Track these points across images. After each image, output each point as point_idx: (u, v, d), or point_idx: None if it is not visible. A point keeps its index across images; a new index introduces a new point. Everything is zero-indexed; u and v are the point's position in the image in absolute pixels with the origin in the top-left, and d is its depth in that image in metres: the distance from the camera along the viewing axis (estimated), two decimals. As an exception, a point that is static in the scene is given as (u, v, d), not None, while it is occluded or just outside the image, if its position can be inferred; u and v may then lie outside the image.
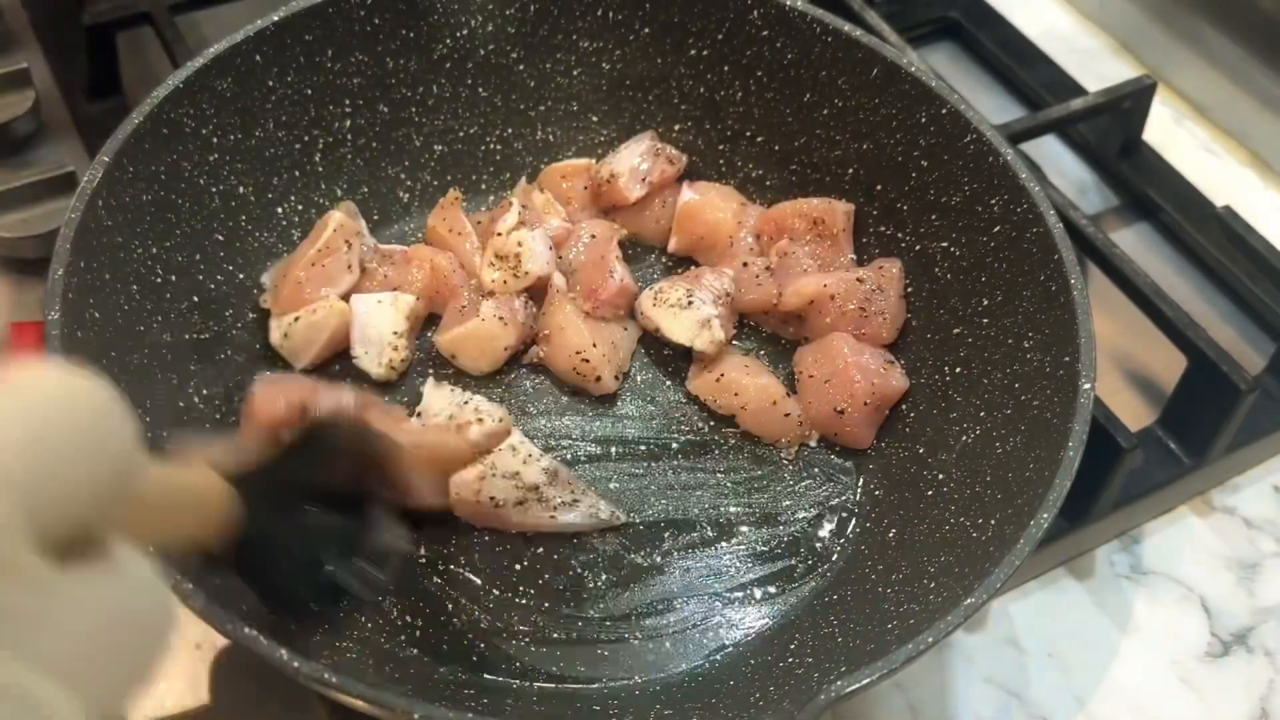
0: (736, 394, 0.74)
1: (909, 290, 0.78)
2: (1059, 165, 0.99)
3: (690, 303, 0.75)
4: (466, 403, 0.70)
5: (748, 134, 0.84)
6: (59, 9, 0.94)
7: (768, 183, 0.84)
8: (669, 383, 0.77)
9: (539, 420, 0.74)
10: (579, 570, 0.68)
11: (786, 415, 0.73)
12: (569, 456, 0.73)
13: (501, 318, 0.74)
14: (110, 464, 0.34)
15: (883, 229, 0.80)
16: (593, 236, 0.80)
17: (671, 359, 0.78)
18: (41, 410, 0.32)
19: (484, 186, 0.85)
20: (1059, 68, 1.04)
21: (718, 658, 0.65)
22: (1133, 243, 0.94)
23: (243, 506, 0.46)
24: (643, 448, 0.74)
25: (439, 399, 0.71)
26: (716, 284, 0.76)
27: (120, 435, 0.34)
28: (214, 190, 0.74)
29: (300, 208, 0.79)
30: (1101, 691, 0.70)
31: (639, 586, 0.68)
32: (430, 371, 0.76)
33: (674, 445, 0.74)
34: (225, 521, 0.46)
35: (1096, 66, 1.08)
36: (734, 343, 0.78)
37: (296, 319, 0.73)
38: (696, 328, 0.74)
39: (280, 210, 0.78)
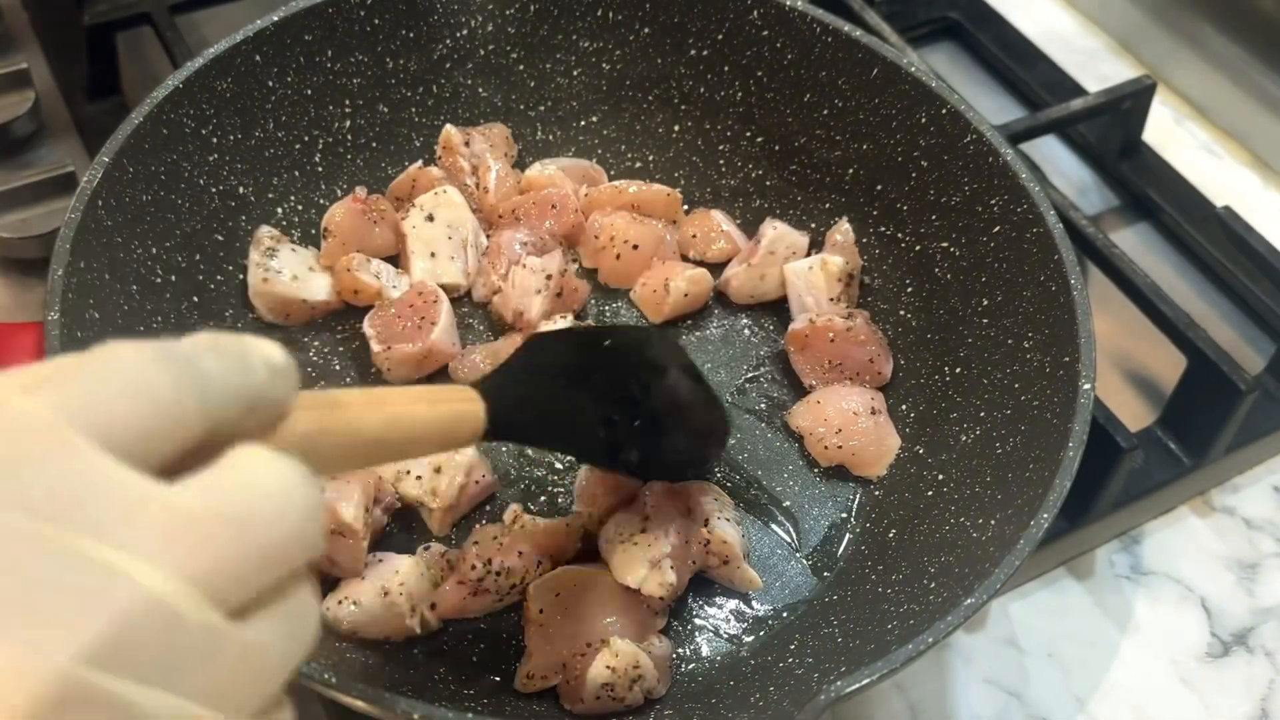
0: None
1: (909, 290, 0.78)
2: (1059, 165, 0.99)
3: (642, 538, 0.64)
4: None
5: (748, 134, 0.84)
6: (59, 9, 0.94)
7: (768, 183, 0.84)
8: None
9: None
10: (579, 570, 0.68)
11: None
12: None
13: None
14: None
15: (883, 229, 0.80)
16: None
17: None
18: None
19: (484, 186, 0.85)
20: (1059, 68, 1.04)
21: (718, 658, 0.65)
22: (1133, 243, 0.94)
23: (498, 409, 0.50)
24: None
25: None
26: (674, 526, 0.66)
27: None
28: (214, 190, 0.74)
29: (300, 208, 0.79)
30: (1101, 691, 0.70)
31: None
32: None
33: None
34: (475, 432, 0.49)
35: (1096, 66, 1.08)
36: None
37: None
38: (647, 568, 0.64)
39: (280, 210, 0.78)
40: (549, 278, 0.75)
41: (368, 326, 0.74)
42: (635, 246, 0.78)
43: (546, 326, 0.74)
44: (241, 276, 0.75)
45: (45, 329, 0.59)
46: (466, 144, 0.82)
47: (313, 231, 0.79)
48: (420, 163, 0.82)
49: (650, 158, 0.86)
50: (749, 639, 0.66)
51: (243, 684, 0.31)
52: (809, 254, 0.80)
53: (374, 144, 0.82)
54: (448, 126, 0.82)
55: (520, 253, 0.77)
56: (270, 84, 0.76)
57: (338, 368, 0.75)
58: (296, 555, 0.33)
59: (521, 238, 0.78)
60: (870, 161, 0.80)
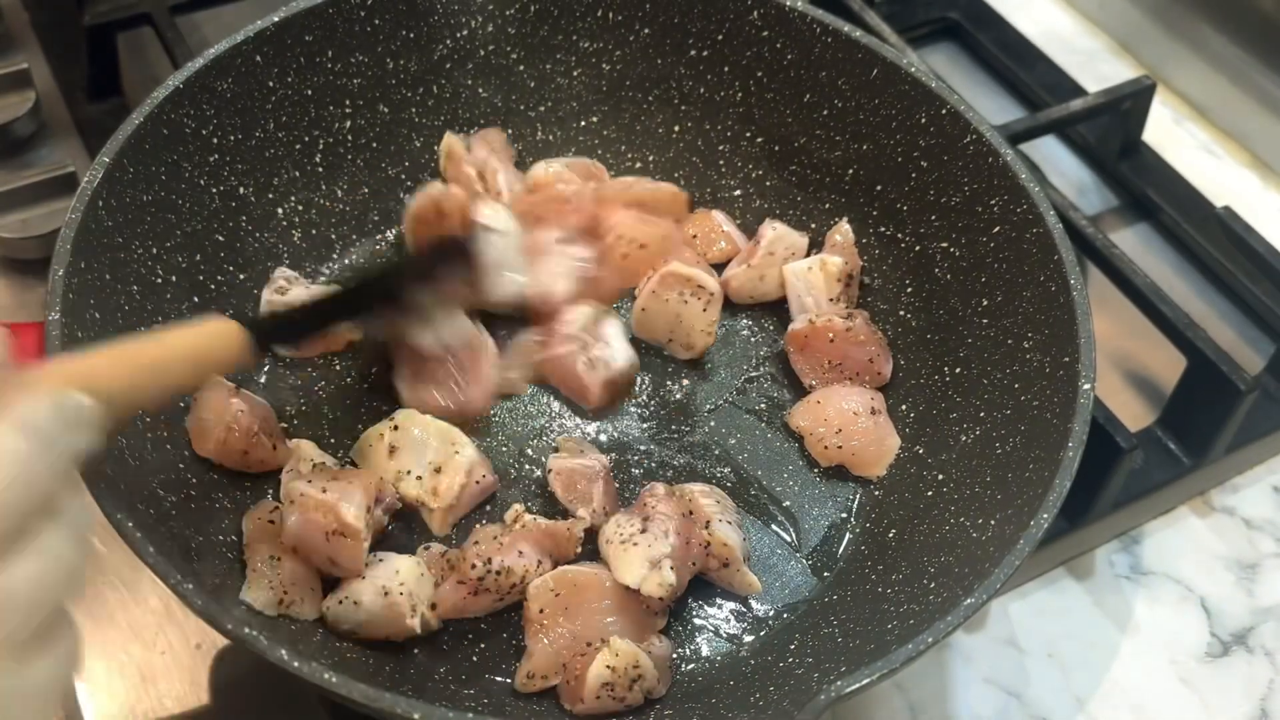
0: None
1: (909, 290, 0.78)
2: (1059, 165, 0.99)
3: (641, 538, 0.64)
4: None
5: (748, 134, 0.84)
6: (59, 9, 0.94)
7: (768, 183, 0.84)
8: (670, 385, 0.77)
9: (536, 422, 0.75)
10: (579, 570, 0.68)
11: None
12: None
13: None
14: None
15: (883, 229, 0.80)
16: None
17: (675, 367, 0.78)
18: None
19: (484, 187, 0.85)
20: (1059, 68, 1.04)
21: (718, 658, 0.65)
22: (1133, 243, 0.94)
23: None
24: (642, 448, 0.74)
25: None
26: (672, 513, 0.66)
27: None
28: (214, 190, 0.74)
29: (300, 208, 0.79)
30: (1101, 691, 0.70)
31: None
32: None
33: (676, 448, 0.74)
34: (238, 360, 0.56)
35: (1096, 66, 1.08)
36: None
37: None
38: (646, 568, 0.63)
39: (280, 210, 0.78)
40: (577, 262, 0.75)
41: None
42: (642, 246, 0.78)
43: (572, 311, 0.74)
44: (242, 277, 0.75)
45: (46, 329, 0.59)
46: (467, 150, 0.82)
47: (313, 232, 0.79)
48: (435, 182, 0.80)
49: (650, 158, 0.86)
50: (749, 639, 0.66)
51: None
52: (809, 254, 0.80)
53: (374, 144, 0.82)
54: (449, 135, 0.82)
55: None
56: (270, 84, 0.76)
57: (349, 403, 0.74)
58: (20, 506, 0.38)
59: (555, 236, 0.77)
60: (870, 161, 0.80)
